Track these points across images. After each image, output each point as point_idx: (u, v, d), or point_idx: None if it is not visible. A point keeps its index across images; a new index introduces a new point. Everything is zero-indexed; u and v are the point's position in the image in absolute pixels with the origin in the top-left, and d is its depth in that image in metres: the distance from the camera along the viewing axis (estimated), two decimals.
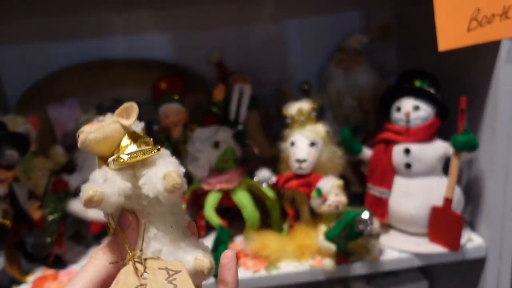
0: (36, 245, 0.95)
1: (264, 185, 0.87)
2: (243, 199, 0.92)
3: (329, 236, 0.82)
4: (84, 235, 0.99)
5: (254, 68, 1.18)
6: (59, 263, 0.89)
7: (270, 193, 0.91)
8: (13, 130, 0.95)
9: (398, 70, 1.25)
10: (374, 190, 0.92)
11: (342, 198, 0.83)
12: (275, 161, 1.12)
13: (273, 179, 0.87)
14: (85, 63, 1.16)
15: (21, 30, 1.15)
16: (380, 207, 0.92)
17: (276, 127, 1.16)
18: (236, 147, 1.00)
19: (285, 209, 0.93)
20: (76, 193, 0.95)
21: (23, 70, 1.16)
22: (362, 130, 1.16)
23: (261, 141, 1.13)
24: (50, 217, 0.89)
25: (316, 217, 0.90)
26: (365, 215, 0.80)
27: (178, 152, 1.04)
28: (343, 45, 1.15)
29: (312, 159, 0.86)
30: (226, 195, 0.93)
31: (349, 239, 0.82)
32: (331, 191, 0.83)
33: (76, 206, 0.92)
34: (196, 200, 0.98)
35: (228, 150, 0.96)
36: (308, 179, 0.87)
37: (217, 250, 0.81)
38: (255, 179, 0.88)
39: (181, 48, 1.18)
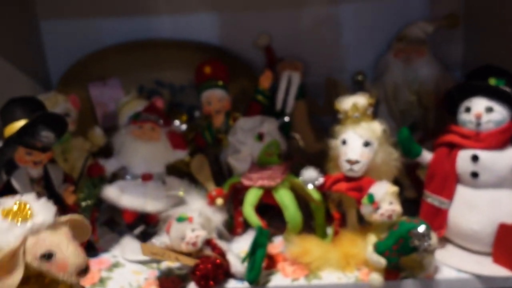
0: None
1: (310, 186, 0.79)
2: (285, 198, 0.85)
3: (379, 249, 0.74)
4: (117, 221, 0.96)
5: (303, 54, 1.10)
6: (91, 251, 0.86)
7: (316, 195, 0.84)
8: (51, 110, 0.92)
9: (464, 63, 1.13)
10: (433, 199, 0.83)
11: (397, 207, 0.75)
12: (321, 157, 1.04)
13: (320, 180, 0.80)
14: (129, 42, 1.11)
15: (68, 5, 1.11)
16: (438, 218, 0.82)
17: (323, 120, 1.09)
18: (281, 140, 0.93)
19: (330, 212, 0.86)
20: (111, 178, 0.92)
21: (68, 46, 1.13)
22: (419, 128, 1.06)
23: (307, 135, 1.05)
24: (84, 203, 0.86)
25: (364, 223, 0.82)
26: (422, 228, 0.71)
27: (219, 141, 0.98)
28: (404, 33, 1.05)
29: (365, 161, 0.78)
30: (268, 192, 0.87)
31: (402, 254, 0.74)
32: (384, 198, 0.74)
33: (110, 192, 0.89)
34: (235, 194, 0.92)
35: (272, 143, 0.89)
36: (359, 183, 0.79)
37: (255, 254, 0.75)
38: (300, 178, 0.80)
39: (227, 30, 1.11)
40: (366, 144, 0.79)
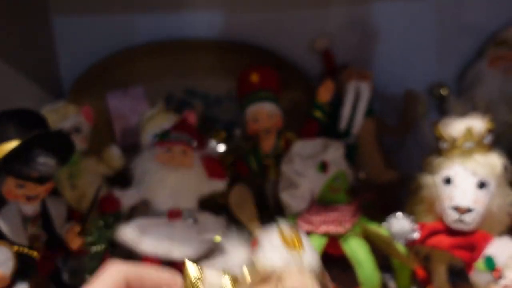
0: (74, 273, 0.73)
1: (401, 242, 0.57)
2: (359, 251, 0.63)
3: None
4: None
5: (367, 61, 0.89)
6: None
7: (402, 248, 0.62)
8: (59, 124, 0.74)
9: None
10: None
11: None
12: (391, 189, 0.83)
13: (416, 234, 0.57)
14: (156, 43, 0.92)
15: None
16: None
17: (390, 143, 0.88)
18: (349, 170, 0.72)
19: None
20: (129, 215, 0.72)
21: (83, 47, 0.94)
22: None
23: (376, 161, 0.83)
24: (93, 249, 0.66)
25: (456, 283, 0.60)
26: None
27: (266, 168, 0.77)
28: (503, 36, 0.83)
29: (480, 208, 0.56)
30: (333, 240, 0.66)
31: None
32: (510, 264, 0.52)
33: (128, 234, 0.69)
34: None
35: (339, 175, 0.68)
36: (469, 239, 0.57)
37: None
38: (388, 229, 0.58)
39: (278, 30, 0.89)
40: (482, 185, 0.56)
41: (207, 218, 0.74)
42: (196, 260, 0.69)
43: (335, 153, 0.69)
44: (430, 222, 0.61)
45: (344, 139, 0.80)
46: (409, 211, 0.66)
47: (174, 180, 0.70)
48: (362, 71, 0.80)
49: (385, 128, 0.86)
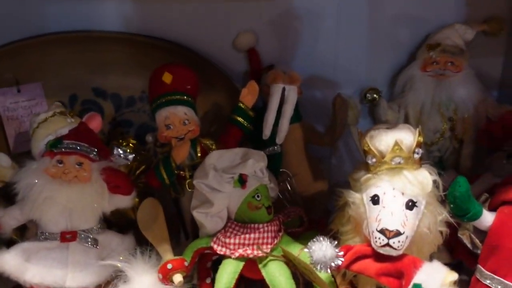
0: None
1: (323, 270, 0.50)
2: (278, 277, 0.57)
3: None
4: None
5: (296, 63, 0.82)
6: None
7: (324, 276, 0.55)
8: None
9: (503, 82, 0.88)
10: (494, 281, 0.56)
11: None
12: (320, 202, 0.77)
13: (339, 261, 0.50)
14: (59, 34, 0.80)
15: None
16: None
17: (322, 150, 0.82)
18: (273, 183, 0.64)
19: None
20: (10, 241, 0.60)
21: None
22: (449, 167, 0.80)
23: (304, 171, 0.77)
24: None
25: None
26: None
27: (180, 180, 0.68)
28: (437, 39, 0.78)
29: (409, 231, 0.50)
30: (252, 264, 0.58)
31: None
32: None
33: (8, 261, 0.57)
34: (201, 261, 0.63)
35: (260, 190, 0.60)
36: (398, 264, 0.51)
37: None
38: (310, 255, 0.50)
39: (198, 24, 0.80)
40: (412, 205, 0.51)
41: (111, 239, 0.65)
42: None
43: (255, 165, 0.61)
44: (357, 245, 0.54)
45: (269, 147, 0.73)
46: (335, 230, 0.60)
47: (66, 197, 0.59)
48: (289, 73, 0.73)
49: (314, 135, 0.80)
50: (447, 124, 0.78)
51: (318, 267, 0.50)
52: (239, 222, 0.60)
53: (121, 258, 0.60)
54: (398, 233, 0.49)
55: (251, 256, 0.57)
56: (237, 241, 0.58)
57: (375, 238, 0.50)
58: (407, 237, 0.50)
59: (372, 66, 0.86)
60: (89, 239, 0.61)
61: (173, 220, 0.70)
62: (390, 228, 0.49)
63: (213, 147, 0.68)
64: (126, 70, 0.80)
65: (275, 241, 0.59)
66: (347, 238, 0.58)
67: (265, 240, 0.58)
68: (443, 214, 0.55)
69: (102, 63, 0.80)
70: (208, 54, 0.80)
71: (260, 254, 0.57)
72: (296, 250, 0.57)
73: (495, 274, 0.56)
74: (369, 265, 0.52)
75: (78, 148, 0.60)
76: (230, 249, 0.58)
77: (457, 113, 0.78)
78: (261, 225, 0.59)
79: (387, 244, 0.50)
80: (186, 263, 0.58)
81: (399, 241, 0.49)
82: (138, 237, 0.66)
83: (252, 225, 0.59)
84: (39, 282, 0.58)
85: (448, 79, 0.77)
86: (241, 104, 0.70)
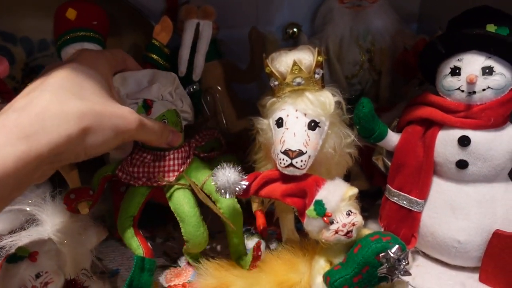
0: None
1: (227, 196, 0.50)
2: (183, 205, 0.57)
3: (333, 281, 0.49)
4: None
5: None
6: None
7: (229, 202, 0.56)
8: None
9: (421, 14, 0.90)
10: (400, 198, 0.59)
11: (358, 220, 0.49)
12: (241, 140, 0.77)
13: (243, 185, 0.51)
14: None
15: None
16: (406, 224, 0.59)
17: (247, 90, 0.81)
18: (187, 107, 0.63)
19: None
20: None
21: None
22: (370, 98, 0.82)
23: (226, 110, 0.76)
24: None
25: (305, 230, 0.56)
26: (397, 250, 0.47)
27: None
28: None
29: (312, 151, 0.51)
30: (159, 190, 0.58)
31: (367, 286, 0.49)
32: (340, 207, 0.49)
33: None
34: (113, 187, 0.64)
35: (168, 115, 0.59)
36: (301, 184, 0.52)
37: None
38: (214, 182, 0.51)
39: None
40: (314, 125, 0.51)
41: None
42: (9, 233, 0.58)
43: (161, 89, 0.59)
44: (267, 170, 0.55)
45: (188, 86, 0.71)
46: (251, 160, 0.61)
47: None
48: (204, 8, 0.71)
49: (236, 72, 0.79)
50: (365, 56, 0.79)
51: (223, 192, 0.50)
52: (146, 148, 0.59)
53: (29, 202, 0.58)
54: (300, 153, 0.50)
55: (154, 184, 0.56)
56: (141, 169, 0.57)
57: (280, 159, 0.51)
58: (309, 157, 0.51)
59: (295, 2, 0.85)
60: None
61: None
62: (293, 149, 0.50)
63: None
64: (37, 11, 0.75)
65: (182, 169, 0.58)
66: (260, 166, 0.58)
67: (171, 168, 0.57)
68: (351, 137, 0.57)
69: (10, 4, 0.75)
70: None
71: (163, 183, 0.56)
72: (204, 177, 0.57)
73: (401, 191, 0.59)
74: (275, 188, 0.53)
75: None
76: (134, 178, 0.57)
77: (374, 44, 0.78)
78: (167, 152, 0.58)
79: (291, 164, 0.50)
80: (90, 192, 0.57)
81: (301, 161, 0.50)
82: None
83: (159, 153, 0.58)
84: None
85: (365, 10, 0.77)
86: (155, 41, 0.68)
